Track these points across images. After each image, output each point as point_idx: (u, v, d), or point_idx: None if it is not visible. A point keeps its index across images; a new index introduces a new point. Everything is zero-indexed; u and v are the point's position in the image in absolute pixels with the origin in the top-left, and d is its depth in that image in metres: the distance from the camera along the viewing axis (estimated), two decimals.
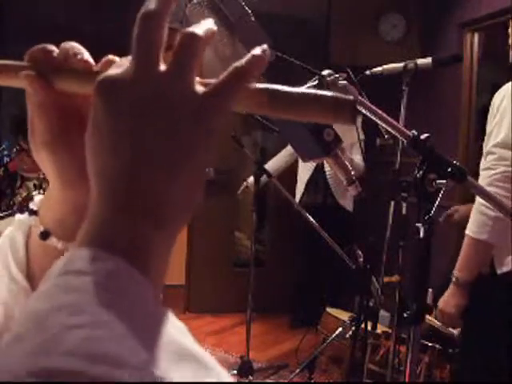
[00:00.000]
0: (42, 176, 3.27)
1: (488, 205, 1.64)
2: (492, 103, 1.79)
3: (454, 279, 1.75)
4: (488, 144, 1.73)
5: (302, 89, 0.39)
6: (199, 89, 0.35)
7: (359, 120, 3.50)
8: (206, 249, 4.30)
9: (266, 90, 0.39)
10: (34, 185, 3.38)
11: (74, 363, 0.25)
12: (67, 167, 0.48)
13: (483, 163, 1.73)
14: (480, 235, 1.69)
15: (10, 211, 2.86)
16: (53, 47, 0.46)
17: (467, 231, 1.74)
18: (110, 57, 0.44)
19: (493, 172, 1.66)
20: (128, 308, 0.29)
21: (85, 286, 0.28)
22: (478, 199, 1.71)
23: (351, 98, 0.38)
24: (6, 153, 3.68)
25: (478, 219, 1.70)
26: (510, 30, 1.81)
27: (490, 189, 1.59)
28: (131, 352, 0.26)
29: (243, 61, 0.36)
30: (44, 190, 0.53)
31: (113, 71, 0.35)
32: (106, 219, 0.33)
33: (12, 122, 3.35)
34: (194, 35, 0.35)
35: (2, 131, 3.92)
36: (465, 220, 1.82)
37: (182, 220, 0.35)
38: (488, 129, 1.77)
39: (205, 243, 4.29)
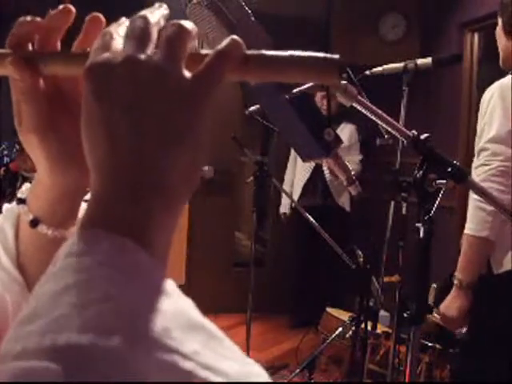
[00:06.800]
0: None
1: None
2: (482, 101, 1.78)
3: (455, 282, 1.71)
4: (480, 141, 1.72)
5: (288, 52, 0.40)
6: (187, 74, 0.35)
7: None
8: (205, 249, 4.30)
9: (252, 56, 0.39)
10: None
11: (85, 338, 0.25)
12: (56, 152, 0.48)
13: (476, 161, 1.72)
14: (480, 232, 1.65)
15: None
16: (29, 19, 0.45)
17: (466, 230, 1.70)
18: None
19: (488, 167, 1.65)
20: (135, 281, 0.29)
21: (91, 265, 0.29)
22: (474, 196, 1.68)
23: (336, 56, 0.39)
24: (5, 153, 3.68)
25: (476, 216, 1.66)
26: (498, 40, 1.87)
27: (485, 184, 1.59)
28: (143, 324, 0.27)
29: (224, 44, 0.37)
30: None
31: (102, 56, 0.35)
32: (107, 199, 0.33)
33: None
34: (183, 27, 0.36)
35: (2, 131, 3.91)
36: None
37: (182, 196, 0.36)
38: (479, 126, 1.76)
39: (205, 243, 4.28)
